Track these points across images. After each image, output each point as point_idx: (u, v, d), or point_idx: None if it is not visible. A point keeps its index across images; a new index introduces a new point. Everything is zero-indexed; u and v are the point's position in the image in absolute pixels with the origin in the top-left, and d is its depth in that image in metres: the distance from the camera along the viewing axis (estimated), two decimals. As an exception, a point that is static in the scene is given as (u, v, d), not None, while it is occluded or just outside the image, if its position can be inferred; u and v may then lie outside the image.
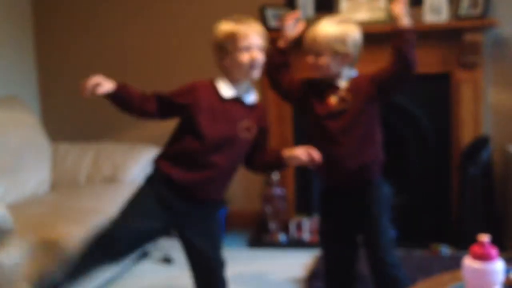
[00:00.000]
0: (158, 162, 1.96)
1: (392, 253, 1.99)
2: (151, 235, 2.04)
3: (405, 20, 1.93)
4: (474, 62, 3.05)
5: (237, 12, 3.41)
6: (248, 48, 1.88)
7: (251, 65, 1.88)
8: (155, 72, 3.55)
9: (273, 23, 3.22)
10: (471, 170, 2.99)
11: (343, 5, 3.17)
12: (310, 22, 3.18)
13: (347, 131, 1.95)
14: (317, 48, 1.93)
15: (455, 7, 3.04)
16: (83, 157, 3.17)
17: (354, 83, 1.98)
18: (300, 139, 3.38)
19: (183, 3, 3.48)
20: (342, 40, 1.92)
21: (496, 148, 3.14)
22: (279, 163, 1.97)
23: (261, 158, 2.01)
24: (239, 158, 1.97)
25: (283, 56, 2.10)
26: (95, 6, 3.62)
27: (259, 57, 1.89)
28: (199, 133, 1.86)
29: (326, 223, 2.11)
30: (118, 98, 1.85)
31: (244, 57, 1.87)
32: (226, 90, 1.91)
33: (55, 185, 3.10)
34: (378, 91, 1.95)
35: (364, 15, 3.13)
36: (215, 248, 2.02)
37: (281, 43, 2.09)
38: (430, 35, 3.08)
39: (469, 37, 2.99)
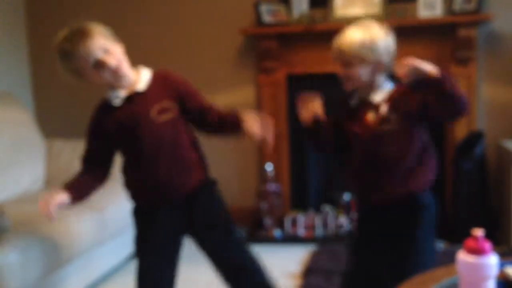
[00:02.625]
0: (128, 196, 1.92)
1: None
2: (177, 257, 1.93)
3: (430, 70, 1.65)
4: (468, 57, 3.06)
5: (232, 8, 3.44)
6: (96, 63, 1.73)
7: (112, 73, 1.75)
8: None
9: (267, 18, 3.22)
10: (465, 165, 3.00)
11: (337, 0, 3.17)
12: (305, 18, 3.22)
13: (391, 155, 1.75)
14: (344, 58, 1.77)
15: (449, 2, 3.05)
16: (77, 153, 3.13)
17: (392, 97, 1.77)
18: (294, 136, 3.39)
19: (178, 1, 3.47)
20: (369, 46, 1.75)
21: (490, 143, 3.15)
22: (234, 124, 1.80)
23: (212, 117, 1.85)
24: (175, 138, 1.80)
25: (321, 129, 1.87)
26: (90, 2, 3.60)
27: (110, 61, 1.73)
28: (125, 147, 1.82)
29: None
30: (81, 199, 1.88)
31: (100, 75, 1.75)
32: (114, 98, 1.80)
33: (49, 182, 3.09)
34: (421, 113, 1.72)
35: (358, 10, 3.13)
36: (228, 234, 1.90)
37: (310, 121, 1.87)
38: (424, 30, 3.09)
39: (463, 32, 3.00)
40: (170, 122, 1.79)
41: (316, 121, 1.84)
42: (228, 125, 1.83)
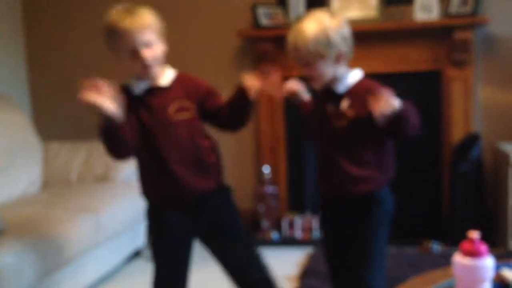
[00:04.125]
0: (141, 193, 1.87)
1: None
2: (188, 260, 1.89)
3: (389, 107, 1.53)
4: (465, 59, 3.07)
5: (230, 10, 3.44)
6: (134, 51, 1.67)
7: (144, 67, 1.70)
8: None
9: (264, 21, 3.22)
10: (461, 167, 3.00)
11: (335, 3, 3.18)
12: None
13: (345, 154, 1.70)
14: (302, 58, 1.69)
15: (446, 5, 3.06)
16: (74, 156, 3.16)
17: (355, 92, 1.70)
18: (291, 138, 3.39)
19: (171, 1, 3.47)
20: (324, 40, 1.65)
21: (486, 146, 3.16)
22: (242, 98, 1.73)
23: (225, 109, 1.78)
24: (190, 139, 1.75)
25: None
26: (86, 3, 3.60)
27: (146, 57, 1.68)
28: (139, 141, 1.74)
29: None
30: (113, 133, 1.66)
31: (131, 64, 1.69)
32: (136, 87, 1.75)
33: (46, 185, 3.09)
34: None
35: (355, 13, 3.14)
36: (239, 241, 1.87)
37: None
38: (420, 33, 3.10)
39: (459, 35, 3.01)
40: (187, 122, 1.75)
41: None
42: (235, 102, 1.76)
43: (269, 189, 3.30)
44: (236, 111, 1.77)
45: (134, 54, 1.67)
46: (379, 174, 1.71)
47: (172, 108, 1.73)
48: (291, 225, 3.29)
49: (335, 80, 1.72)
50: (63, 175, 3.11)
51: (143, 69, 1.70)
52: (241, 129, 1.83)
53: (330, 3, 3.18)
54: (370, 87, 1.67)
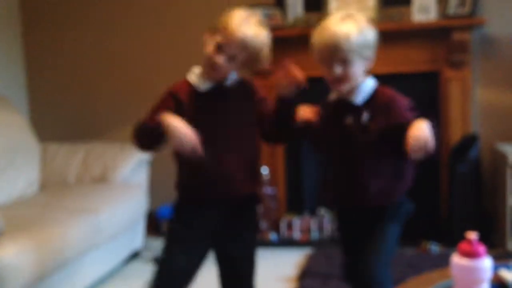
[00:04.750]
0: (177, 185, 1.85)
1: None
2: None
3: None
4: (462, 60, 3.07)
5: (227, 11, 3.43)
6: (220, 47, 1.69)
7: (209, 63, 1.71)
8: (145, 72, 3.53)
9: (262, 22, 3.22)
10: (460, 167, 3.01)
11: (333, 4, 3.18)
12: (299, 21, 3.22)
13: (366, 166, 1.66)
14: (343, 55, 1.60)
15: (443, 6, 3.06)
16: (72, 157, 3.16)
17: (374, 103, 1.65)
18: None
19: (171, 1, 3.47)
20: (364, 39, 1.62)
21: (484, 146, 3.16)
22: (282, 105, 1.73)
23: (270, 119, 1.78)
24: (245, 141, 1.77)
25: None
26: (84, 6, 3.60)
27: (220, 61, 1.69)
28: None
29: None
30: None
31: (209, 55, 1.70)
32: (201, 83, 1.76)
33: (44, 186, 3.08)
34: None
35: (353, 14, 3.14)
36: (249, 258, 1.91)
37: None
38: (418, 34, 3.10)
39: (457, 36, 3.01)
40: (247, 124, 1.76)
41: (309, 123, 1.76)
42: (283, 116, 1.74)
43: (268, 190, 3.30)
44: (282, 122, 1.74)
45: (217, 50, 1.69)
46: (400, 185, 1.70)
47: (234, 109, 1.75)
48: (290, 226, 3.29)
49: (352, 89, 1.67)
50: (61, 177, 3.11)
51: (208, 64, 1.71)
52: (281, 143, 1.88)
53: (328, 4, 3.18)
54: (390, 97, 1.65)
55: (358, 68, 1.64)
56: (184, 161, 1.76)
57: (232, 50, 1.69)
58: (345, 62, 1.62)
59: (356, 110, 1.66)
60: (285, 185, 3.42)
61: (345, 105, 1.68)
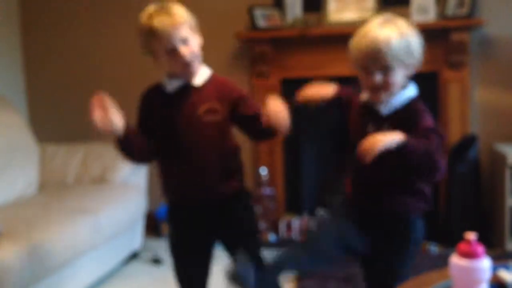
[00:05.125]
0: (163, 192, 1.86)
1: None
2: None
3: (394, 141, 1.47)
4: (461, 61, 3.07)
5: (227, 12, 3.44)
6: (172, 50, 1.68)
7: (183, 65, 1.70)
8: (144, 73, 3.53)
9: (261, 22, 3.22)
10: (458, 168, 3.01)
11: (332, 5, 3.18)
12: (298, 22, 3.22)
13: (382, 175, 1.62)
14: (385, 62, 1.53)
15: (442, 7, 3.07)
16: (71, 158, 3.16)
17: (400, 115, 1.58)
18: (288, 139, 3.39)
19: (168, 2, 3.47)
20: (407, 46, 1.56)
21: (483, 147, 3.17)
22: (267, 128, 1.66)
23: (258, 120, 1.72)
24: (216, 142, 1.75)
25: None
26: (83, 7, 3.60)
27: (185, 54, 1.68)
28: (165, 137, 1.76)
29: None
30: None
31: (169, 62, 1.70)
32: (169, 85, 1.76)
33: (43, 186, 3.08)
34: None
35: (352, 15, 3.15)
36: (256, 249, 1.85)
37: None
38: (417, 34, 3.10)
39: (456, 37, 3.02)
40: (215, 124, 1.74)
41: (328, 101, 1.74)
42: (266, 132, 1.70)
43: (267, 190, 3.30)
44: (268, 134, 1.71)
45: (173, 52, 1.68)
46: (415, 200, 1.67)
47: (202, 109, 1.73)
48: (289, 226, 3.29)
49: (378, 99, 1.60)
50: (60, 177, 3.11)
51: (183, 67, 1.71)
52: (267, 141, 1.86)
53: (327, 5, 3.18)
54: (415, 112, 1.57)
55: (400, 76, 1.57)
56: (162, 165, 1.80)
57: (177, 38, 1.67)
58: (386, 69, 1.55)
59: (380, 119, 1.61)
60: (284, 185, 3.42)
61: (371, 111, 1.64)
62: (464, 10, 3.00)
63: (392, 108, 1.61)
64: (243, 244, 1.80)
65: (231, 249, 1.84)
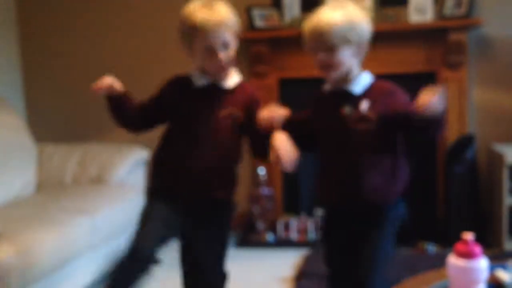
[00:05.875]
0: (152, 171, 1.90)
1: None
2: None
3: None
4: (459, 61, 3.08)
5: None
6: (211, 50, 1.69)
7: (218, 68, 1.73)
8: (141, 74, 3.53)
9: (259, 23, 3.22)
10: (456, 168, 3.01)
11: (329, 4, 3.18)
12: (296, 22, 3.22)
13: (362, 159, 1.63)
14: (327, 42, 1.59)
15: (440, 7, 3.07)
16: (69, 158, 3.15)
17: (373, 93, 1.62)
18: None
19: (166, 2, 3.47)
20: (351, 25, 1.60)
21: (481, 147, 3.17)
22: (261, 136, 1.73)
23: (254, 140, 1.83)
24: (227, 145, 1.78)
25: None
26: (80, 8, 3.60)
27: (222, 57, 1.70)
28: (179, 125, 1.81)
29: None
30: (118, 104, 1.83)
31: (206, 61, 1.72)
32: (199, 79, 1.79)
33: (40, 186, 3.07)
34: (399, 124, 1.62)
35: (350, 15, 3.15)
36: (217, 259, 1.90)
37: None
38: (415, 34, 3.10)
39: (453, 37, 3.02)
40: (231, 130, 1.77)
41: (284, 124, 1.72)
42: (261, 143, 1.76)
43: (265, 190, 3.30)
44: (260, 147, 1.78)
45: (211, 52, 1.69)
46: (396, 184, 1.66)
47: (224, 112, 1.75)
48: (287, 227, 3.28)
49: (348, 79, 1.65)
50: (57, 177, 3.10)
51: (217, 69, 1.72)
52: (260, 159, 1.88)
53: (325, 5, 3.18)
54: (390, 88, 1.64)
55: (345, 55, 1.61)
56: (163, 150, 1.82)
57: (219, 39, 1.68)
58: (329, 48, 1.60)
59: (354, 99, 1.63)
60: (282, 185, 3.42)
61: (342, 95, 1.65)
62: (462, 10, 3.00)
63: (363, 86, 1.65)
64: (205, 252, 1.85)
65: (189, 248, 1.86)
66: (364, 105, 1.61)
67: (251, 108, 1.77)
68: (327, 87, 1.71)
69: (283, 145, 1.64)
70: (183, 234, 1.88)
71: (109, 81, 1.78)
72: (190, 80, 1.79)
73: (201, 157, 1.75)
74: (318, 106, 1.74)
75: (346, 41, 1.60)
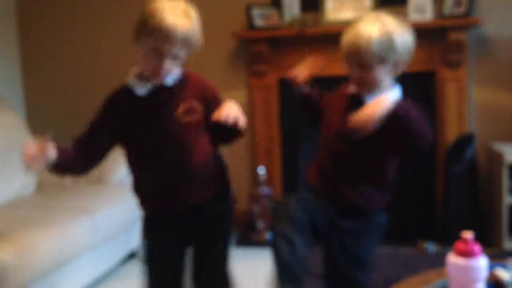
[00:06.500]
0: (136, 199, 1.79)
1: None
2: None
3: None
4: (458, 60, 3.08)
5: (224, 11, 3.44)
6: (158, 54, 1.55)
7: (154, 74, 1.59)
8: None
9: (259, 22, 3.22)
10: (455, 167, 3.01)
11: (329, 4, 3.18)
12: (296, 21, 3.22)
13: (352, 164, 1.66)
14: (362, 60, 1.56)
15: (439, 6, 3.07)
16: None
17: (390, 111, 1.54)
18: (286, 139, 3.40)
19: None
20: (389, 44, 1.56)
21: (480, 146, 3.17)
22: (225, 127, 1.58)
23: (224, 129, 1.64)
24: (196, 143, 1.64)
25: (310, 92, 1.83)
26: (80, 8, 3.60)
27: (166, 67, 1.57)
28: (138, 143, 1.66)
29: None
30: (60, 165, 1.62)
31: (147, 62, 1.59)
32: (139, 87, 1.64)
33: (40, 186, 3.08)
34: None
35: (350, 14, 3.15)
36: (219, 265, 1.79)
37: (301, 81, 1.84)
38: (414, 33, 3.10)
39: (453, 36, 3.02)
40: (195, 125, 1.63)
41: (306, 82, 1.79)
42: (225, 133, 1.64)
43: (264, 190, 3.30)
44: (224, 137, 1.67)
45: (157, 57, 1.56)
46: (382, 194, 1.71)
47: (180, 110, 1.61)
48: (286, 226, 3.28)
49: (375, 89, 1.62)
50: (57, 178, 3.10)
51: (153, 74, 1.59)
52: (231, 142, 1.73)
53: (325, 4, 3.18)
54: (402, 114, 1.54)
55: (380, 73, 1.58)
56: (135, 173, 1.71)
57: (175, 50, 1.55)
58: (364, 66, 1.57)
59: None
60: (282, 185, 3.42)
61: (357, 103, 1.63)
62: (461, 9, 3.01)
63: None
64: (210, 253, 1.75)
65: (199, 256, 1.77)
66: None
67: (205, 94, 1.66)
68: (351, 89, 1.71)
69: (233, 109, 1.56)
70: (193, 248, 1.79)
71: (36, 153, 1.57)
72: (130, 91, 1.64)
73: (177, 164, 1.62)
74: (335, 101, 1.75)
75: (381, 59, 1.57)
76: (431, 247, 3.00)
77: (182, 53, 1.57)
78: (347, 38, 1.60)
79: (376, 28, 1.57)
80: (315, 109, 1.84)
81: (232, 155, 3.50)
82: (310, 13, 3.23)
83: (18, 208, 2.64)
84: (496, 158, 2.98)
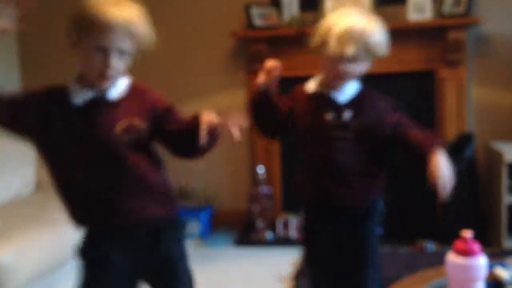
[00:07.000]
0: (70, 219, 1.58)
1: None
2: None
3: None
4: (458, 59, 3.08)
5: (224, 11, 3.44)
6: (102, 50, 1.37)
7: (99, 75, 1.40)
8: (140, 71, 3.53)
9: (258, 21, 3.22)
10: (455, 166, 3.01)
11: (328, 4, 3.18)
12: (295, 21, 3.22)
13: (340, 163, 1.64)
14: (356, 53, 1.54)
15: (439, 5, 3.07)
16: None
17: (359, 103, 1.60)
18: (285, 138, 3.39)
19: (167, 5, 3.46)
20: (375, 39, 1.55)
21: (479, 145, 3.17)
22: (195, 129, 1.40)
23: (184, 142, 1.48)
24: (137, 161, 1.45)
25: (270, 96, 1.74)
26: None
27: (113, 65, 1.39)
28: (68, 154, 1.46)
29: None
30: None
31: (89, 64, 1.40)
32: (77, 94, 1.45)
33: (40, 186, 3.08)
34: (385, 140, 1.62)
35: (348, 13, 3.15)
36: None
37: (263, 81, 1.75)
38: (414, 33, 3.11)
39: (452, 35, 3.02)
40: (135, 144, 1.44)
41: (265, 91, 1.71)
42: (189, 130, 1.44)
43: (264, 189, 3.30)
44: (188, 140, 1.44)
45: (101, 54, 1.39)
46: (377, 183, 1.70)
47: (120, 127, 1.42)
48: (286, 225, 3.29)
49: (337, 87, 1.63)
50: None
51: (98, 78, 1.41)
52: (192, 158, 1.53)
53: (324, 3, 3.18)
54: (377, 101, 1.62)
55: (363, 66, 1.60)
56: (65, 191, 1.56)
57: (119, 42, 1.39)
58: (356, 60, 1.56)
59: (338, 107, 1.63)
60: (281, 184, 3.42)
61: (325, 100, 1.64)
62: (461, 9, 3.01)
63: (348, 95, 1.64)
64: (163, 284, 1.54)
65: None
66: (346, 114, 1.62)
67: (152, 109, 1.48)
68: (310, 88, 1.69)
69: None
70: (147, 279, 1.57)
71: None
72: (67, 96, 1.46)
73: (112, 186, 1.44)
74: (300, 103, 1.71)
75: (368, 54, 1.56)
76: (430, 246, 3.00)
77: (127, 45, 1.40)
78: (339, 31, 1.54)
79: (373, 24, 1.58)
80: (277, 113, 1.75)
81: (232, 155, 3.50)
82: (309, 12, 3.22)
83: (18, 207, 2.64)
84: (495, 157, 2.98)
